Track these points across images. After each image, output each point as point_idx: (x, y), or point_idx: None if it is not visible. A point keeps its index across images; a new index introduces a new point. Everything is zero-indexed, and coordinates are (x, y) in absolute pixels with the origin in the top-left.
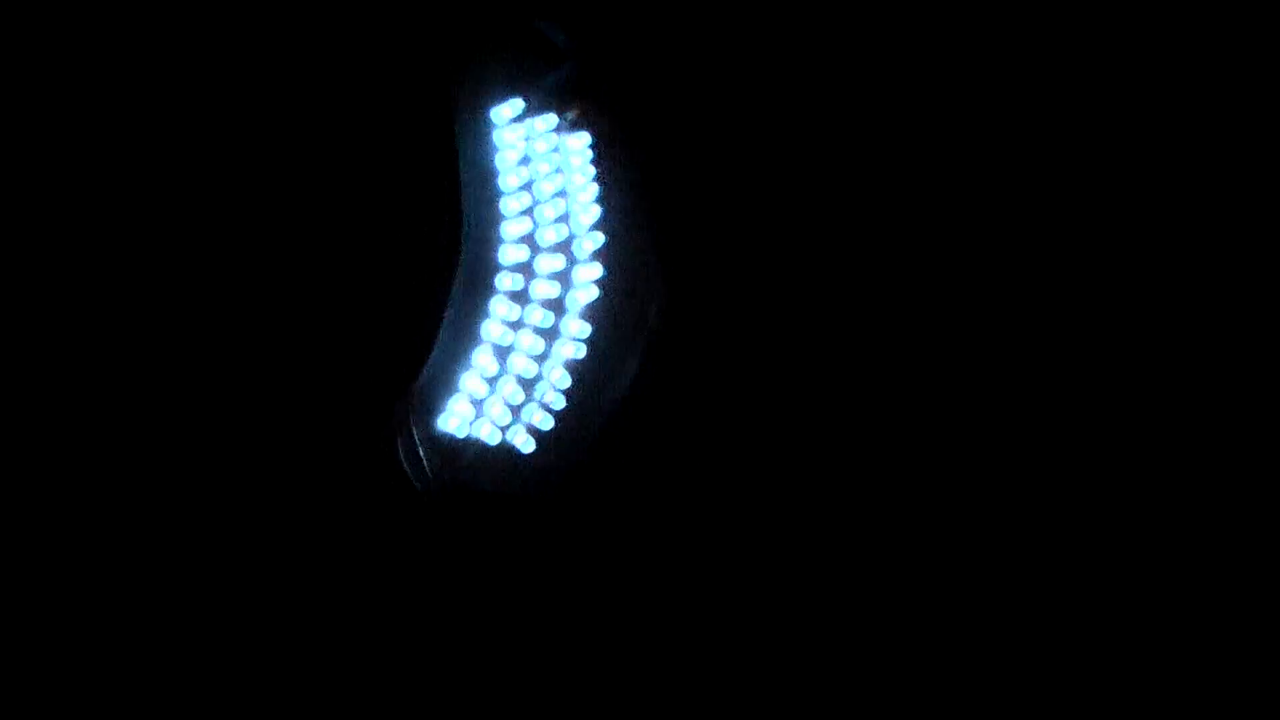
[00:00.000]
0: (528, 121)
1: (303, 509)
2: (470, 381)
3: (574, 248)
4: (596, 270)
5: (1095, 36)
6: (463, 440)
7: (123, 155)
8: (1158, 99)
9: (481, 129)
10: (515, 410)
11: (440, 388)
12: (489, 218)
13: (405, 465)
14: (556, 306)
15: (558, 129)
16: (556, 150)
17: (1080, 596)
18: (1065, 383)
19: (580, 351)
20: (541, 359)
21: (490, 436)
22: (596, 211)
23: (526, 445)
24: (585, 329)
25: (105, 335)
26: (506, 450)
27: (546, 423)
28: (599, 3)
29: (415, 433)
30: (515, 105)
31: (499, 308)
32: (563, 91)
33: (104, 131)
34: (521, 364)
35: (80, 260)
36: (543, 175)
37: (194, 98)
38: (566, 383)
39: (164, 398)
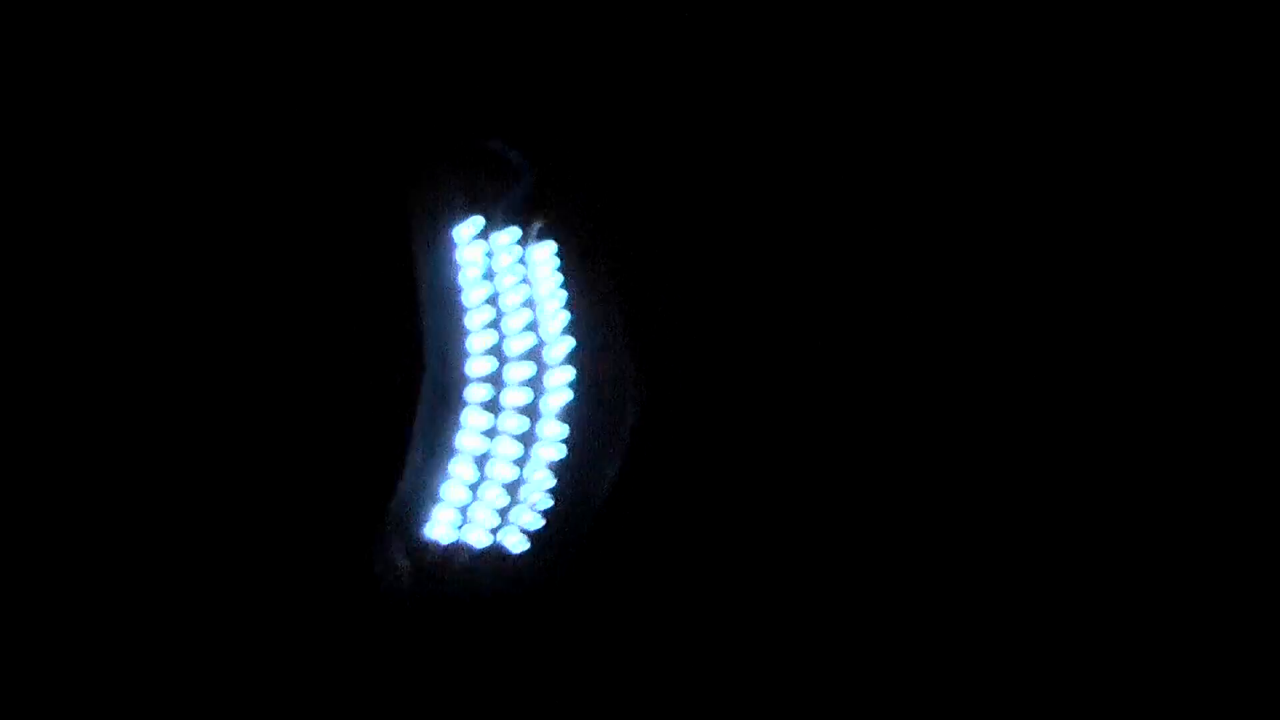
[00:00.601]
0: (491, 236)
1: (283, 627)
2: (452, 490)
3: (544, 353)
4: (569, 373)
5: (1095, 36)
6: (450, 547)
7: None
8: (1157, 99)
9: (442, 248)
10: (503, 513)
11: (420, 502)
12: (453, 333)
13: (385, 581)
14: (531, 412)
15: (522, 240)
16: (522, 262)
17: (1081, 597)
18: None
19: (561, 452)
20: (522, 463)
21: (480, 541)
22: (565, 317)
23: (519, 545)
24: (563, 430)
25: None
26: (497, 552)
27: (536, 522)
28: (552, 116)
29: (394, 549)
30: (476, 223)
31: (471, 418)
32: (525, 204)
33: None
34: (501, 470)
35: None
36: (508, 287)
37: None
38: (551, 482)
39: (145, 520)
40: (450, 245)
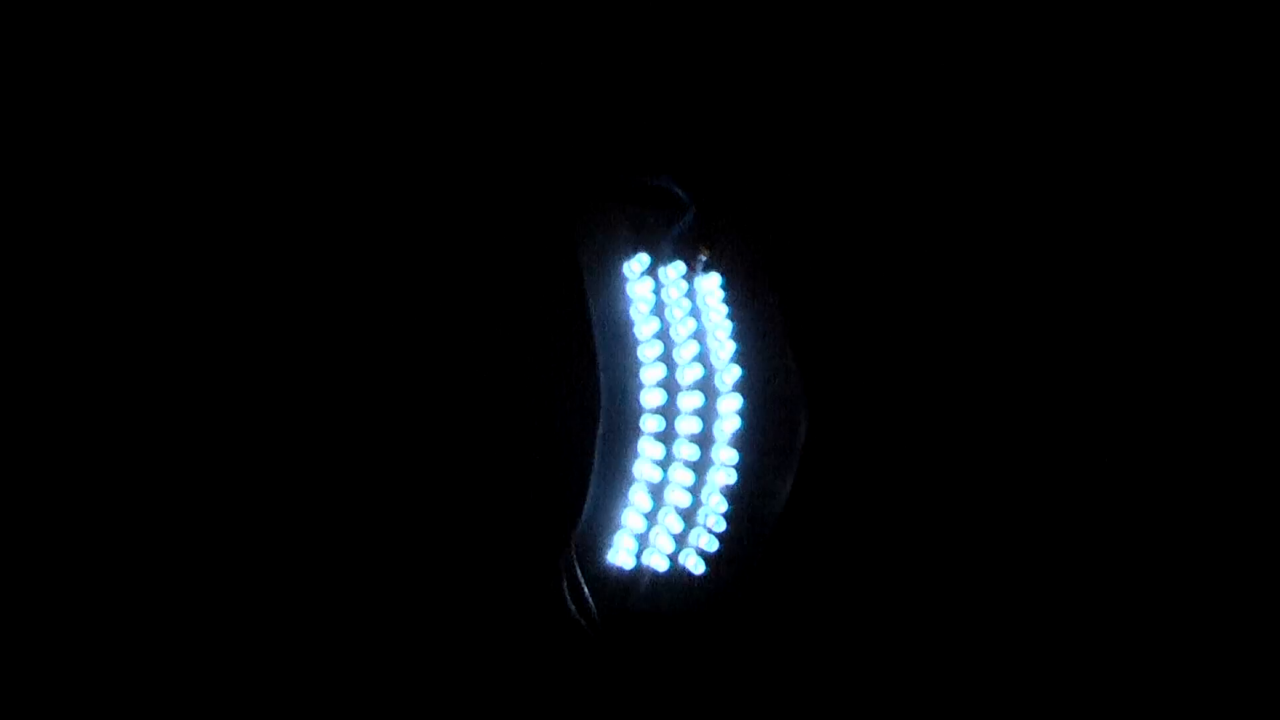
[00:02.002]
0: (659, 271)
1: (477, 657)
2: (631, 518)
3: (715, 381)
4: (738, 401)
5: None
6: (633, 571)
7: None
8: (1158, 99)
9: (614, 284)
10: (680, 538)
11: (602, 528)
12: (628, 367)
13: (572, 604)
14: (704, 439)
15: (689, 274)
16: (689, 295)
17: (1082, 597)
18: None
19: (733, 477)
20: (697, 489)
21: (660, 564)
22: (732, 346)
23: (697, 567)
24: (734, 456)
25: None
26: (679, 574)
27: (712, 545)
28: (711, 151)
29: (580, 575)
30: (643, 259)
31: (647, 448)
32: (689, 238)
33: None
34: (677, 496)
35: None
36: (677, 319)
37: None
38: (725, 507)
39: (330, 560)
40: (621, 281)
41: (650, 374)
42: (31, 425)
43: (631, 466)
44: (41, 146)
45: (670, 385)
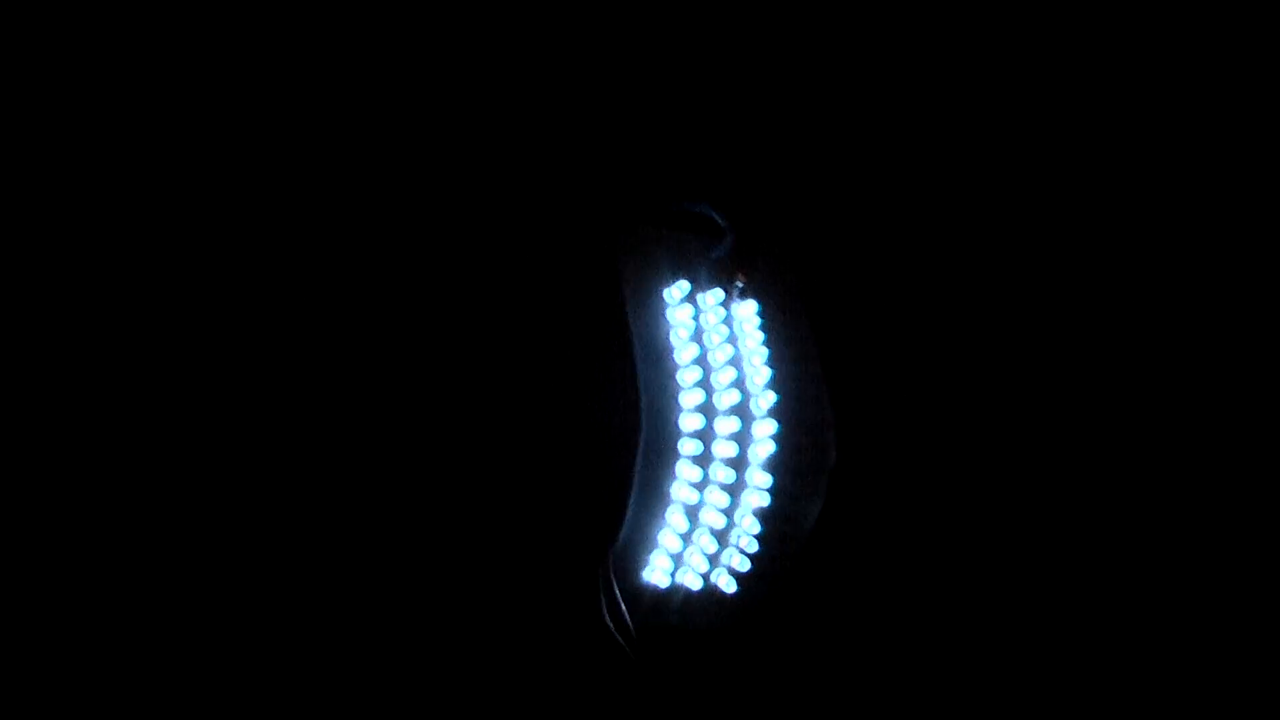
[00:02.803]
0: (698, 297)
1: (517, 671)
2: (667, 538)
3: (751, 405)
4: (772, 426)
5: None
6: (668, 589)
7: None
8: (1158, 99)
9: (655, 309)
10: (713, 558)
11: (639, 547)
12: (668, 391)
13: (609, 620)
14: (739, 463)
15: (726, 301)
16: (726, 321)
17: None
18: None
19: (765, 500)
20: (731, 510)
21: (694, 583)
22: (768, 372)
23: (729, 586)
24: (768, 479)
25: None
26: (711, 593)
27: (744, 565)
28: (748, 178)
29: (618, 590)
30: (683, 286)
31: (684, 470)
32: (728, 265)
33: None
34: (712, 517)
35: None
36: (715, 345)
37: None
38: (757, 528)
39: (373, 573)
40: (661, 307)
41: (689, 398)
42: (31, 425)
43: (669, 488)
44: (41, 146)
45: (708, 409)
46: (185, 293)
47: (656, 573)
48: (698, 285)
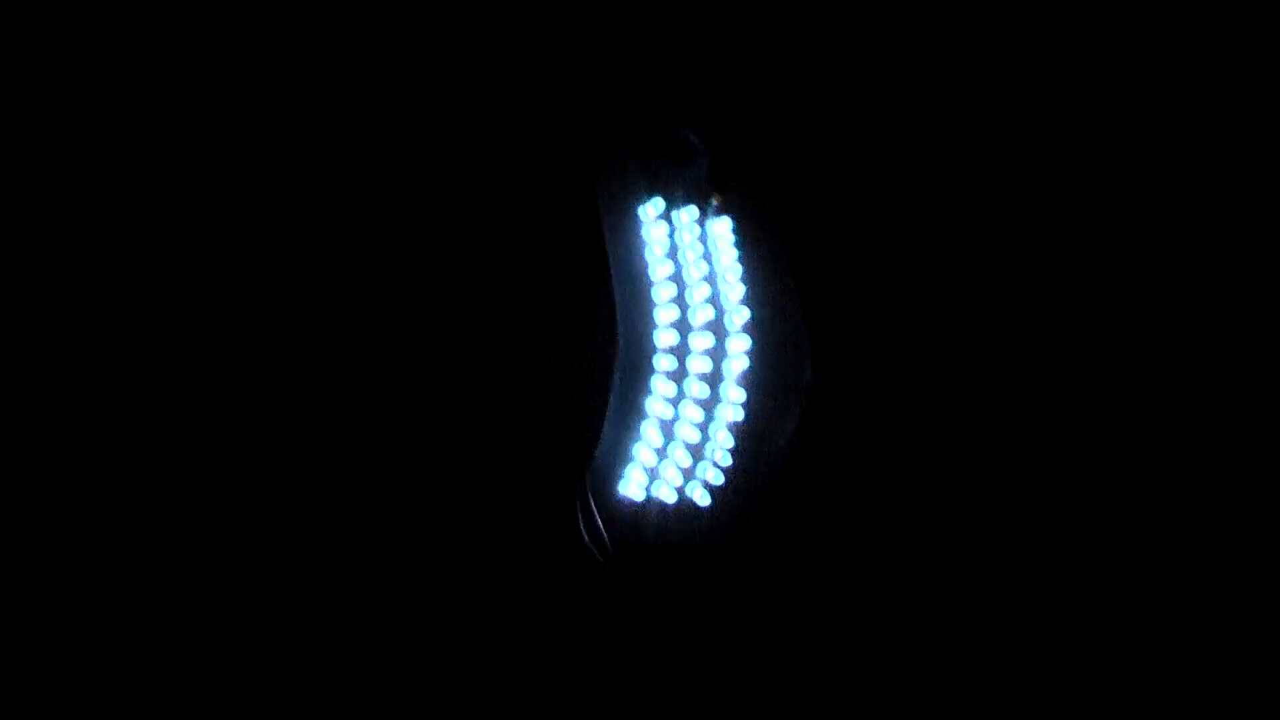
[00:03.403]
0: (673, 214)
1: (495, 586)
2: (643, 452)
3: (724, 322)
4: (746, 341)
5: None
6: (643, 502)
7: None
8: (1158, 99)
9: (630, 227)
10: (688, 471)
11: (616, 461)
12: (642, 307)
13: (586, 535)
14: (713, 378)
15: (701, 219)
16: (701, 238)
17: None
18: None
19: (739, 414)
20: (705, 425)
21: (669, 496)
22: (742, 289)
23: (703, 500)
24: (741, 394)
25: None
26: (686, 506)
27: (718, 478)
28: (724, 99)
29: (594, 503)
30: (658, 204)
31: (659, 385)
32: (703, 184)
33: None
34: (687, 432)
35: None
36: (690, 263)
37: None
38: (731, 443)
39: (348, 485)
40: (637, 225)
41: (664, 315)
42: (31, 425)
43: (645, 403)
44: (41, 147)
45: (683, 326)
46: (155, 278)
47: (632, 486)
48: (673, 204)
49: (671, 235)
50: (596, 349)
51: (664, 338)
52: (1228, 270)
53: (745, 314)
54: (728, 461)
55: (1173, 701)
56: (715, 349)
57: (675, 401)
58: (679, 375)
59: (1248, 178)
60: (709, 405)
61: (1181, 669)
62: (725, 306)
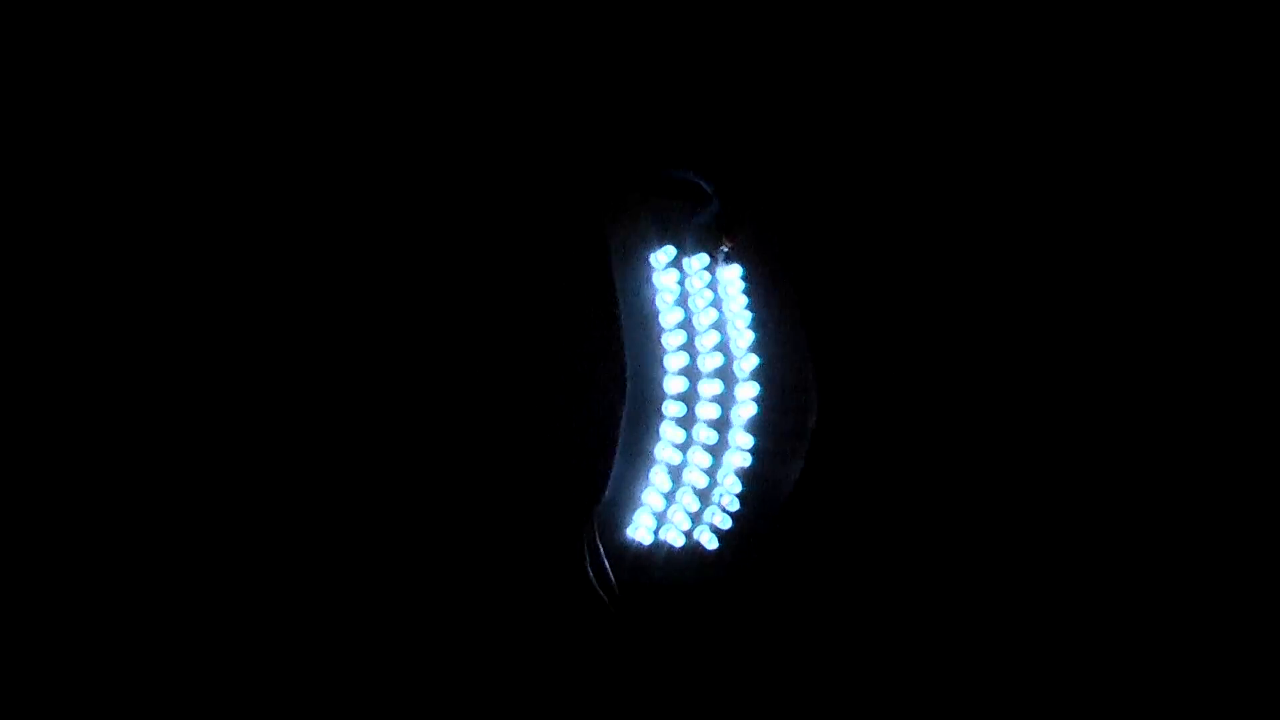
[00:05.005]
0: (683, 261)
1: (503, 626)
2: (651, 497)
3: (733, 369)
4: (754, 389)
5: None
6: (650, 546)
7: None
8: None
9: (641, 274)
10: (695, 516)
11: (623, 505)
12: (653, 354)
13: (593, 577)
14: (721, 424)
15: (711, 265)
16: (711, 285)
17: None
18: None
19: (747, 460)
20: (713, 470)
21: (676, 540)
22: (751, 336)
23: (710, 543)
24: (750, 440)
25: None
26: (693, 549)
27: (725, 523)
28: (734, 146)
29: (601, 546)
30: (669, 251)
31: (668, 431)
32: (713, 230)
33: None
34: (694, 477)
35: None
36: (699, 309)
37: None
38: (739, 488)
39: (359, 520)
40: (648, 272)
41: (673, 361)
42: (31, 425)
43: (653, 448)
44: (41, 146)
45: (692, 372)
46: (160, 279)
47: (640, 530)
48: (683, 250)
49: (681, 282)
50: (606, 394)
51: (673, 384)
52: (1222, 273)
53: (753, 361)
54: (735, 506)
55: (1170, 702)
56: (724, 395)
57: (683, 447)
58: (688, 421)
59: (1246, 178)
60: (717, 451)
61: (1178, 670)
62: (734, 353)
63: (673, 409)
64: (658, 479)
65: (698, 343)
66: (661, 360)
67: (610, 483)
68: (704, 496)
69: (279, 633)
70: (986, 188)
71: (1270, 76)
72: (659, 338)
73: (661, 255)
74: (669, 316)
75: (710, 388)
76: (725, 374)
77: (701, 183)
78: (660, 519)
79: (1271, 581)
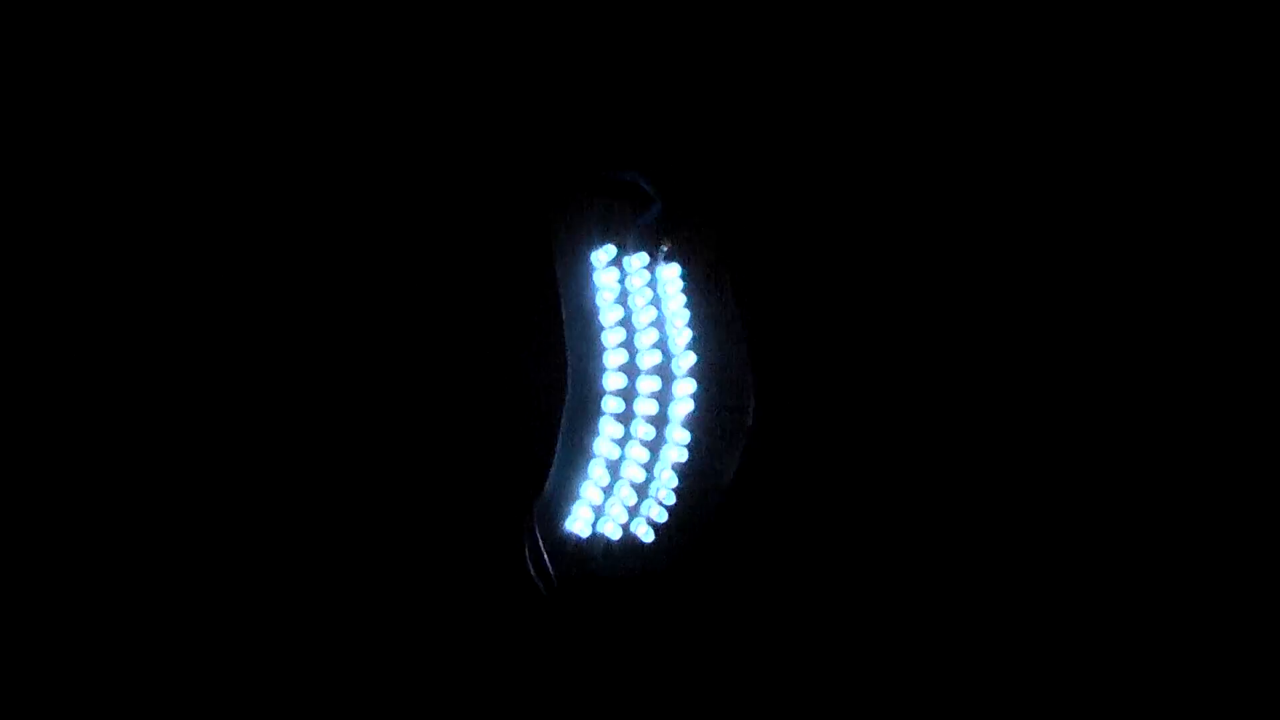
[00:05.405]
0: (624, 260)
1: (442, 616)
2: (589, 490)
3: (672, 366)
4: (692, 386)
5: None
6: (589, 538)
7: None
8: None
9: (582, 273)
10: (633, 509)
11: (563, 499)
12: (591, 351)
13: (532, 568)
14: (659, 420)
15: (651, 265)
16: (651, 284)
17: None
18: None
19: (684, 455)
20: (650, 465)
21: (614, 533)
22: (689, 334)
23: (647, 536)
24: (686, 436)
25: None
26: (630, 542)
27: (662, 516)
28: (678, 149)
29: (541, 540)
30: (609, 250)
31: (607, 427)
32: (654, 229)
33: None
34: (632, 471)
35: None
36: (639, 308)
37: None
38: (675, 482)
39: (296, 512)
40: (589, 270)
41: (613, 358)
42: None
43: (592, 444)
44: (41, 146)
45: (631, 369)
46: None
47: (578, 523)
48: (624, 250)
49: (622, 281)
50: (547, 389)
51: (612, 380)
52: (1212, 284)
53: (691, 359)
54: (671, 500)
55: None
56: (661, 392)
57: (622, 442)
58: (626, 417)
59: (1224, 182)
60: (654, 446)
61: (1168, 672)
62: (672, 351)
63: (611, 404)
64: (596, 473)
65: (637, 341)
66: (601, 357)
67: (550, 476)
68: (641, 491)
69: (223, 623)
70: (927, 190)
71: (1270, 76)
72: (599, 335)
73: (602, 254)
74: (609, 314)
75: (649, 384)
76: (663, 371)
77: (643, 184)
78: (598, 512)
79: (1271, 581)
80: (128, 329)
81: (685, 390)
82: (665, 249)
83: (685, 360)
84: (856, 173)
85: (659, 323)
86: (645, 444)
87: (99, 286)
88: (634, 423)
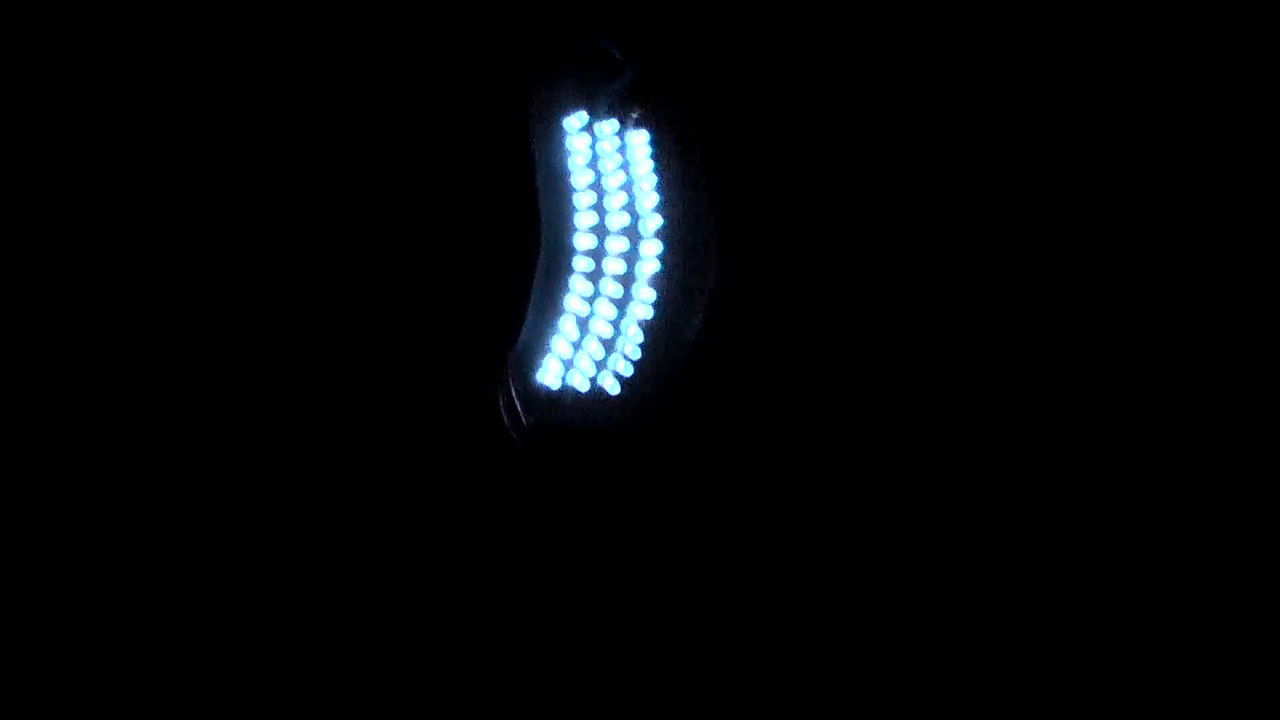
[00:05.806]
0: (595, 126)
1: (419, 470)
2: (559, 344)
3: (639, 228)
4: (658, 246)
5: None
6: (559, 390)
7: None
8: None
9: (555, 138)
10: (600, 363)
11: (534, 352)
12: (563, 212)
13: (506, 418)
14: (627, 279)
15: (621, 130)
16: (621, 150)
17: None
18: None
19: (649, 313)
20: (618, 321)
21: (582, 385)
22: (656, 197)
23: (613, 388)
24: (652, 294)
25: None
26: (597, 394)
27: (628, 369)
28: (651, 16)
29: (514, 390)
30: (581, 116)
31: (577, 284)
32: (624, 96)
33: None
34: (600, 327)
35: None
36: (609, 172)
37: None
38: (640, 338)
39: (273, 371)
40: (561, 135)
41: (583, 220)
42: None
43: (563, 300)
44: (41, 146)
45: (600, 230)
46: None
47: (549, 375)
48: (596, 116)
49: (593, 146)
50: (521, 248)
51: (582, 240)
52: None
53: (658, 221)
54: (637, 355)
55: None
56: (629, 252)
57: (591, 299)
58: (595, 275)
59: (1218, 186)
60: (622, 303)
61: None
62: (640, 213)
63: (582, 263)
64: (566, 328)
65: (606, 203)
66: (572, 218)
67: (523, 331)
68: (609, 345)
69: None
70: (905, 70)
71: (1271, 77)
72: (570, 197)
73: (574, 120)
74: (580, 178)
75: (617, 244)
76: (631, 233)
77: (615, 51)
78: (568, 365)
79: (1270, 581)
80: (107, 314)
81: (652, 250)
82: (635, 115)
83: (652, 222)
84: (829, 49)
85: (627, 186)
86: (613, 301)
87: (93, 281)
88: (603, 281)
